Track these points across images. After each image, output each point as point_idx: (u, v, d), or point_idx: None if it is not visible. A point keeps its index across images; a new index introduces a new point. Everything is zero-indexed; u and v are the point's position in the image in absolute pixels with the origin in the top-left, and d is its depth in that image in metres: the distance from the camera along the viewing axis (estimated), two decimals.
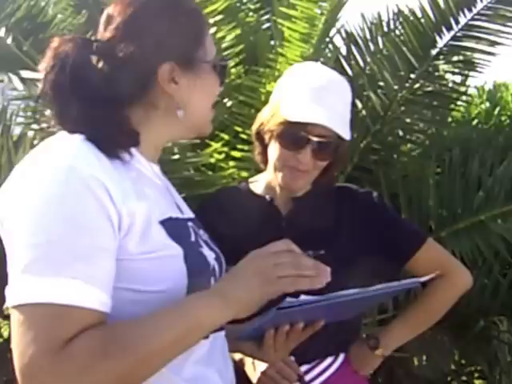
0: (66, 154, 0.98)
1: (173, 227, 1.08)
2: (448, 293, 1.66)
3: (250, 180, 1.71)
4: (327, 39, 2.70)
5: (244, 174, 2.63)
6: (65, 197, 0.94)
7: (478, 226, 2.81)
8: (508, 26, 2.84)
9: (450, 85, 3.02)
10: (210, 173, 2.66)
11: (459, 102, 3.20)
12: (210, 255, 1.16)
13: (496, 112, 3.36)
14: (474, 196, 2.83)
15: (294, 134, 1.50)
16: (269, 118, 1.56)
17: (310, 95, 1.49)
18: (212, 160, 2.65)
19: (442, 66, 2.95)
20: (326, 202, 1.64)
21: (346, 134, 1.51)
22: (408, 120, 3.08)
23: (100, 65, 1.10)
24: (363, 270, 1.47)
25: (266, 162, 1.62)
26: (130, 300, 1.02)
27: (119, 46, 1.08)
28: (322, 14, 2.50)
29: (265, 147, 1.61)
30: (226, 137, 2.70)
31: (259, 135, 1.61)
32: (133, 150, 1.09)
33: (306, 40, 2.50)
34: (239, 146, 2.65)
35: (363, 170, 2.87)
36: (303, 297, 1.07)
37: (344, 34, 2.96)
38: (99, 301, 0.95)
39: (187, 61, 1.12)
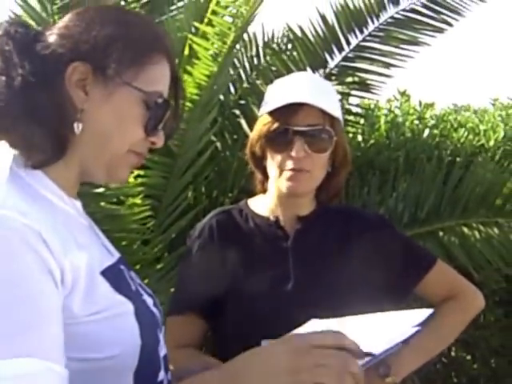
0: None
1: (114, 277, 0.93)
2: (460, 316, 1.56)
3: (249, 200, 1.57)
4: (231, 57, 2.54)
5: (137, 200, 2.41)
6: None
7: None
8: (401, 48, 2.87)
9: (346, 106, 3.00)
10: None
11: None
12: (150, 302, 1.02)
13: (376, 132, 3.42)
14: None
15: (278, 130, 1.40)
16: (254, 132, 1.48)
17: (289, 87, 1.44)
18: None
19: (336, 87, 2.90)
20: (333, 221, 1.53)
21: (334, 111, 1.42)
22: None
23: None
24: (373, 293, 1.36)
25: (265, 189, 1.53)
26: (78, 370, 0.84)
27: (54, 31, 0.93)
28: (230, 29, 2.32)
29: (264, 170, 1.50)
30: None
31: (254, 156, 1.50)
32: (54, 186, 0.92)
33: (215, 58, 2.31)
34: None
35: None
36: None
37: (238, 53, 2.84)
38: (62, 377, 0.79)
39: (104, 72, 0.92)
